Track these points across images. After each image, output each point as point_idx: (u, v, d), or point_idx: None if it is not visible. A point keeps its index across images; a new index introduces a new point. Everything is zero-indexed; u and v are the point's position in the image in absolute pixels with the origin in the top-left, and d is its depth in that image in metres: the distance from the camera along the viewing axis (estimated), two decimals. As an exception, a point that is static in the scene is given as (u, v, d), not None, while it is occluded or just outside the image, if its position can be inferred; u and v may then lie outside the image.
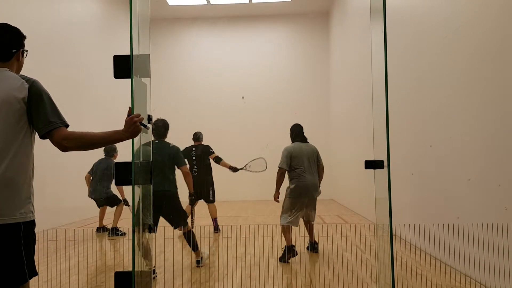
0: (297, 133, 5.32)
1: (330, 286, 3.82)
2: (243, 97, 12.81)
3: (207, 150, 6.85)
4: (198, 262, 4.64)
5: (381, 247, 2.68)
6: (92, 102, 9.51)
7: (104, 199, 6.96)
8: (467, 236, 3.64)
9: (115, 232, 6.71)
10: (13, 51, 2.05)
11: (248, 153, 13.35)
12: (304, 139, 5.31)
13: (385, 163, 2.44)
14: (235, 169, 6.55)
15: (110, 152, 7.05)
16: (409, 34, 5.78)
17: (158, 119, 4.79)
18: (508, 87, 3.52)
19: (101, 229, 7.03)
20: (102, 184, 6.85)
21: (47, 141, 1.98)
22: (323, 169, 5.33)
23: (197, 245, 4.62)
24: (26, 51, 2.18)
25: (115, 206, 6.99)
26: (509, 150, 3.51)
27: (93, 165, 7.05)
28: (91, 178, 6.99)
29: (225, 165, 6.73)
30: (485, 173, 3.85)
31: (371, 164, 2.52)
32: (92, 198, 6.99)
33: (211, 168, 6.79)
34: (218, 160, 6.75)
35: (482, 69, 3.92)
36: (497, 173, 3.65)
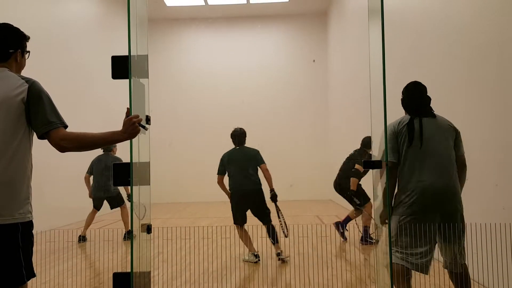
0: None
1: (328, 287, 3.83)
2: (243, 101, 12.82)
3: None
4: (278, 255, 4.91)
5: (380, 247, 2.68)
6: (91, 103, 9.49)
7: (110, 198, 6.61)
8: (465, 236, 3.64)
9: (127, 236, 6.37)
10: (10, 51, 2.04)
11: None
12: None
13: (383, 164, 2.44)
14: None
15: (109, 147, 6.76)
16: (407, 35, 5.79)
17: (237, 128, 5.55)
18: (506, 87, 3.53)
19: (84, 238, 6.44)
20: (109, 181, 6.54)
21: (45, 141, 1.98)
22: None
23: (277, 239, 4.98)
24: (28, 52, 2.17)
25: (119, 208, 6.72)
26: (506, 150, 3.52)
27: (91, 163, 6.74)
28: (91, 178, 6.71)
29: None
30: (482, 173, 3.86)
31: (369, 164, 2.52)
32: (95, 197, 6.63)
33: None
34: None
35: (480, 70, 3.93)
36: (495, 173, 3.66)
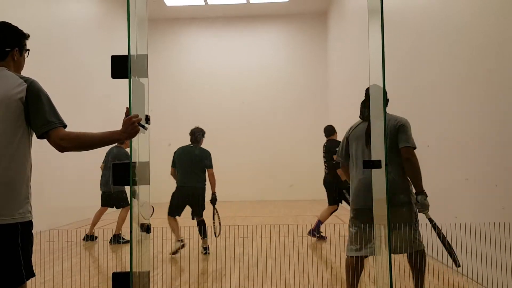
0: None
1: (328, 286, 3.83)
2: (243, 101, 12.81)
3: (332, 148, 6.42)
4: (204, 249, 5.33)
5: (379, 247, 2.68)
6: (90, 103, 9.48)
7: (113, 197, 6.30)
8: (465, 235, 3.65)
9: (117, 239, 6.13)
10: (7, 49, 2.02)
11: (246, 153, 13.37)
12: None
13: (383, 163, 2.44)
14: None
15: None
16: (406, 35, 5.79)
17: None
18: (505, 87, 3.53)
19: (90, 237, 6.29)
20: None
21: (45, 141, 1.97)
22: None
23: (205, 234, 5.37)
24: (28, 50, 2.15)
25: (120, 209, 6.31)
26: (506, 150, 3.52)
27: (106, 153, 6.48)
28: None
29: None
30: (482, 173, 3.86)
31: (369, 164, 2.52)
32: (102, 191, 6.44)
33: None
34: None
35: (480, 70, 3.93)
36: (495, 173, 3.67)
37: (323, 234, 6.17)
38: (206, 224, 5.49)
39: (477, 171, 3.96)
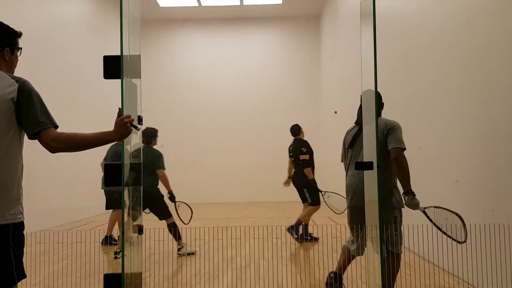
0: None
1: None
2: (236, 103, 12.82)
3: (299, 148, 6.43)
4: (178, 250, 5.32)
5: (371, 248, 2.70)
6: (82, 103, 9.42)
7: (107, 197, 6.04)
8: (455, 237, 3.68)
9: (109, 241, 6.00)
10: None
11: (238, 155, 13.37)
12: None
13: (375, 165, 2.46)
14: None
15: None
16: (398, 38, 5.84)
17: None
18: (496, 89, 3.58)
19: (108, 238, 6.04)
20: None
21: (36, 141, 1.96)
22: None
23: (179, 236, 5.36)
24: (20, 48, 2.13)
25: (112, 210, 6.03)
26: (496, 152, 3.56)
27: (107, 150, 6.17)
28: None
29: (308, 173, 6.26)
30: (472, 175, 3.90)
31: (361, 165, 2.54)
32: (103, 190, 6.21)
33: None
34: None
35: (471, 72, 3.98)
36: (485, 175, 3.71)
37: (314, 235, 6.15)
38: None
39: (467, 172, 4.00)
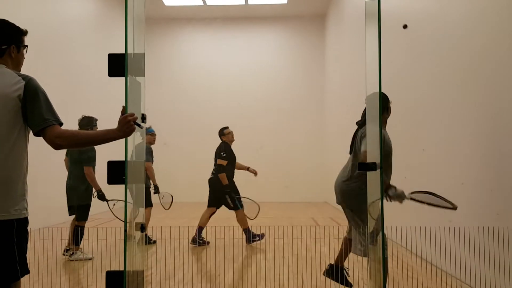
0: None
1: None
2: (239, 103, 12.84)
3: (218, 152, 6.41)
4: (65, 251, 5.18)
5: (373, 249, 2.69)
6: (86, 101, 9.45)
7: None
8: (459, 240, 3.66)
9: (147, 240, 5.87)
10: (3, 47, 2.02)
11: (242, 154, 13.34)
12: None
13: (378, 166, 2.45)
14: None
15: None
16: (403, 38, 5.82)
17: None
18: (501, 91, 3.56)
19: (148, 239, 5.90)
20: None
21: (41, 138, 1.97)
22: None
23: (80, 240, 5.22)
24: (26, 46, 2.15)
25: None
26: (502, 155, 3.54)
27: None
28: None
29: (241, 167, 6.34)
30: (478, 178, 3.88)
31: (364, 166, 2.53)
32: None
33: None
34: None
35: (476, 75, 3.95)
36: (490, 178, 3.69)
37: (206, 239, 5.90)
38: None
39: (473, 175, 3.98)
